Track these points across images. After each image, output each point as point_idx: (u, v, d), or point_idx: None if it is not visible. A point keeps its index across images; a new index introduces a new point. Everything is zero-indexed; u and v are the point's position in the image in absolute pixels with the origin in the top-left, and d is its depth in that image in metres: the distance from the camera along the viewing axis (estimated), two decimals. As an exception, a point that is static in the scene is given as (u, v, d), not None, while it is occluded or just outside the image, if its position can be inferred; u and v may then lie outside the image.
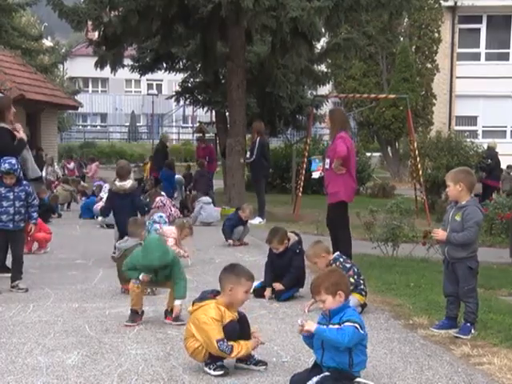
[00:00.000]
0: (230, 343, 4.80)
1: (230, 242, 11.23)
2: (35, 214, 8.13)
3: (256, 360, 5.03)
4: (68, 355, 5.29)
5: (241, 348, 4.84)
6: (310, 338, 4.59)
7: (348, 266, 6.88)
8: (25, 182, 7.99)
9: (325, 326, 4.46)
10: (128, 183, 9.64)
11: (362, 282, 6.85)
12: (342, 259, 6.97)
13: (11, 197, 7.75)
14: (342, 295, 4.52)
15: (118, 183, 9.69)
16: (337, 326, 4.40)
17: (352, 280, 6.60)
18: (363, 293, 6.80)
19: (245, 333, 4.98)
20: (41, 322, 6.32)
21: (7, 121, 8.37)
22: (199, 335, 4.86)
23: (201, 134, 22.28)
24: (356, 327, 4.38)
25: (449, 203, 6.29)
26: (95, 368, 4.99)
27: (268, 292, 7.39)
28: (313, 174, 11.38)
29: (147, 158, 24.99)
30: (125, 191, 9.62)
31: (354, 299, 6.32)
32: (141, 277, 6.24)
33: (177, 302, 6.23)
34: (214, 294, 5.02)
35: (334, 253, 7.16)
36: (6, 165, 7.68)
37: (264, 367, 4.98)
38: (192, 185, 16.86)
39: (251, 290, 5.56)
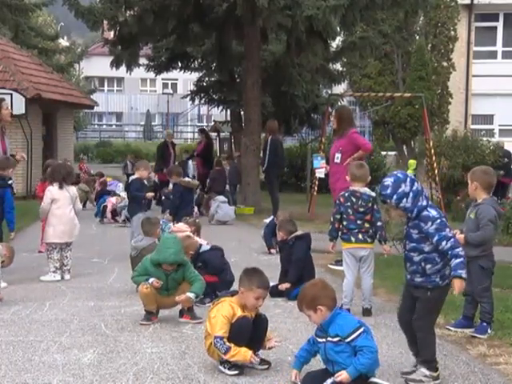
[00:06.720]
0: (228, 344, 4.76)
1: (273, 251, 10.30)
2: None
3: (260, 359, 5.02)
4: (84, 353, 5.32)
5: (237, 353, 4.75)
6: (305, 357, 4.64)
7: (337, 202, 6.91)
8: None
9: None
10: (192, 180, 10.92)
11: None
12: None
13: None
14: (323, 309, 4.40)
15: (186, 179, 10.81)
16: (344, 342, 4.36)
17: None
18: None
19: (258, 335, 4.98)
20: (57, 320, 6.36)
21: None
22: (209, 330, 4.89)
23: (215, 133, 22.29)
24: (367, 337, 4.36)
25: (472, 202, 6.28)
26: (111, 366, 5.02)
27: (282, 286, 7.37)
28: (316, 171, 10.79)
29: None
30: (194, 187, 11.01)
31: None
32: (151, 280, 6.16)
33: (189, 294, 6.11)
34: (233, 294, 5.05)
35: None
36: None
37: (266, 366, 4.98)
38: (208, 184, 16.71)
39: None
